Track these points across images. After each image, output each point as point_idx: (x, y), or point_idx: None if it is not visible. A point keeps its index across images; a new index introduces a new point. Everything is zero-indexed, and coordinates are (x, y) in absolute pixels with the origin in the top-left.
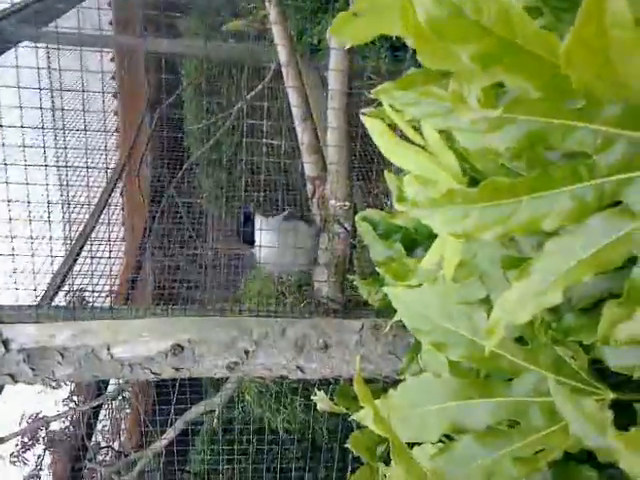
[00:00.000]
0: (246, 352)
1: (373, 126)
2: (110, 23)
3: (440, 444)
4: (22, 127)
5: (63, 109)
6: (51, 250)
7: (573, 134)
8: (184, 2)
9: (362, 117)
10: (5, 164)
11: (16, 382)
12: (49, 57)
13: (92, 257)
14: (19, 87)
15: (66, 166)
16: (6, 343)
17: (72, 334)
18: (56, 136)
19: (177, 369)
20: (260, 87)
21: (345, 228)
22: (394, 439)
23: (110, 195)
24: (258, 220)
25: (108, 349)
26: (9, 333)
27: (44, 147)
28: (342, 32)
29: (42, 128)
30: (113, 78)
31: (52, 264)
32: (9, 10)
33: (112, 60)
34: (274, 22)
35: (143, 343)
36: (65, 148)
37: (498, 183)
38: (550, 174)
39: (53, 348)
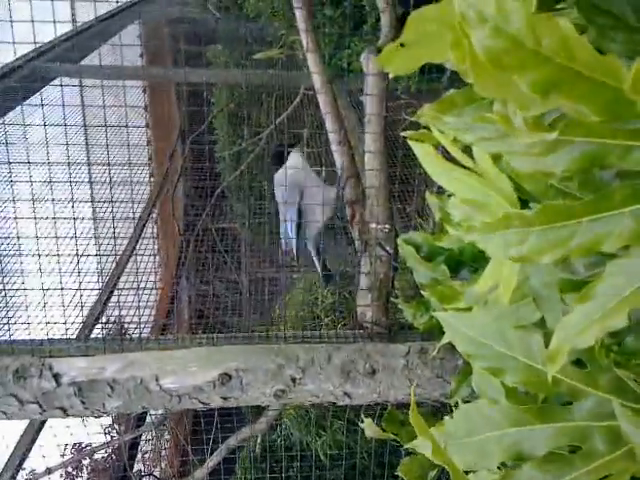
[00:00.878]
0: (293, 379)
1: (420, 149)
2: (141, 56)
3: (498, 471)
4: (68, 162)
5: (108, 145)
6: (99, 282)
7: (632, 154)
8: (212, 32)
9: (409, 141)
10: (53, 200)
11: (67, 416)
12: (82, 92)
13: (129, 288)
14: (65, 125)
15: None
16: (57, 377)
17: (121, 366)
18: (89, 170)
19: (225, 398)
20: (289, 111)
21: (387, 251)
22: (454, 470)
23: (145, 225)
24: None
25: (157, 380)
26: (60, 367)
27: (90, 181)
28: (390, 63)
29: (88, 164)
30: (145, 109)
31: (101, 297)
32: (42, 49)
33: (144, 92)
34: (309, 50)
35: (191, 373)
36: (110, 182)
37: (556, 206)
38: (609, 195)
39: (103, 381)
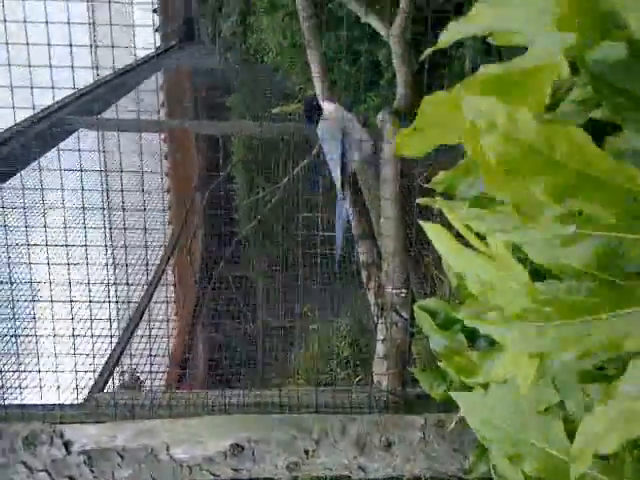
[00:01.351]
0: (306, 452)
1: (431, 229)
2: (162, 105)
3: None
4: (84, 226)
5: (124, 209)
6: (111, 342)
7: None
8: (232, 83)
9: (421, 223)
10: (67, 245)
11: None
12: (104, 141)
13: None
14: (83, 189)
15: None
16: (67, 445)
17: (132, 434)
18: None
19: (236, 470)
20: (305, 162)
21: (403, 317)
22: None
23: (162, 275)
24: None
25: (167, 449)
26: (70, 434)
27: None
28: (405, 147)
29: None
30: (166, 158)
31: (114, 353)
32: (66, 100)
33: (164, 140)
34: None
35: (202, 443)
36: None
37: (575, 301)
38: (629, 291)
39: (113, 449)
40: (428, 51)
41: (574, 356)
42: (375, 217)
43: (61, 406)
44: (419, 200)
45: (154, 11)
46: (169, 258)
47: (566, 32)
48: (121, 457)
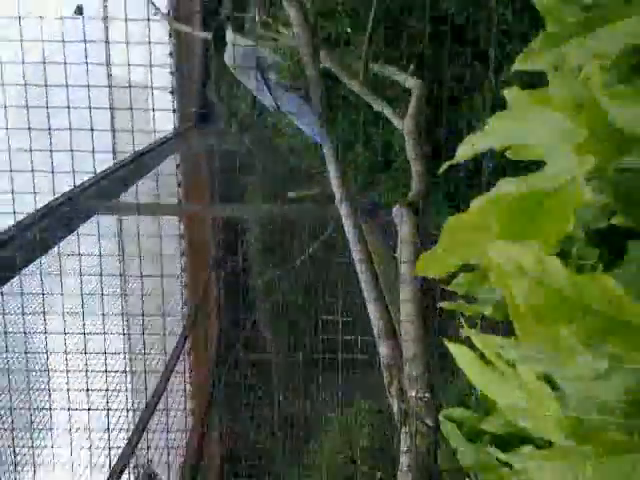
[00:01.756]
0: None
1: (457, 351)
2: (179, 185)
3: None
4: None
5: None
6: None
7: None
8: (247, 164)
9: (447, 344)
10: (86, 333)
11: None
12: (122, 225)
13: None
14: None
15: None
16: None
17: None
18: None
19: None
20: (322, 239)
21: (427, 424)
22: None
23: (177, 361)
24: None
25: None
26: None
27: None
28: (428, 269)
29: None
30: (181, 237)
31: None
32: (85, 185)
33: (180, 221)
34: (341, 201)
35: None
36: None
37: (614, 440)
38: None
39: None
40: (444, 166)
41: None
42: (394, 313)
43: None
44: (442, 304)
45: (171, 93)
46: (185, 341)
47: (587, 155)
48: None
